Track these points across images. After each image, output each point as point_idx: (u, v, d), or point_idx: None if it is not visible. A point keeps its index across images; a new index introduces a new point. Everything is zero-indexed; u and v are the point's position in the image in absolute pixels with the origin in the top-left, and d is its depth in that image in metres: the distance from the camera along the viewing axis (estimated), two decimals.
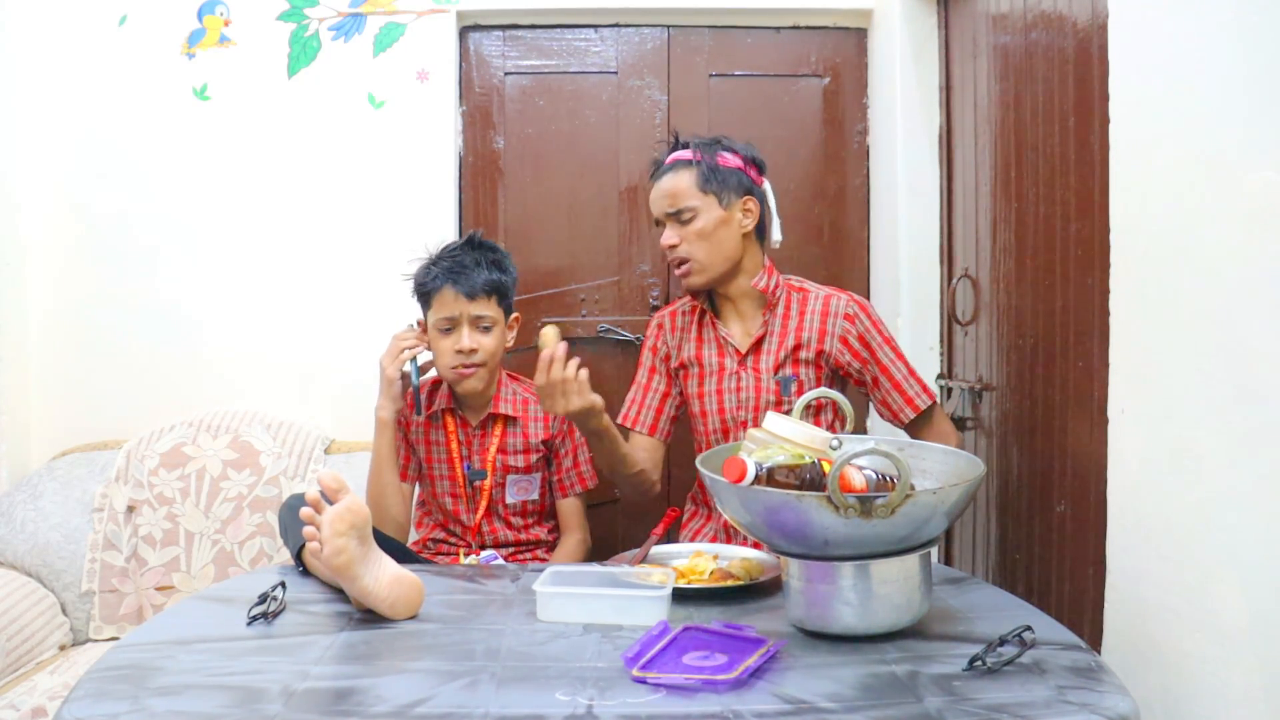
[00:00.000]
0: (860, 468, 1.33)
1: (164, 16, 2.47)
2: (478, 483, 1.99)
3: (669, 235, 1.87)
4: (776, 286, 1.89)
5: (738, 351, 1.89)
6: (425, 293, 1.96)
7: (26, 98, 2.46)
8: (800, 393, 1.84)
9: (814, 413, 1.82)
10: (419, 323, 2.01)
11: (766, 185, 1.92)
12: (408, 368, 1.95)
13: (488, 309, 1.93)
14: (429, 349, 1.96)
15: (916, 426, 1.88)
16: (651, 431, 1.96)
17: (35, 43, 2.46)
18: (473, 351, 1.91)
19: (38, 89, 2.47)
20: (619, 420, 1.93)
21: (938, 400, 1.91)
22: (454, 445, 2.00)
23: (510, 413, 2.00)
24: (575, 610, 1.37)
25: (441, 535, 2.03)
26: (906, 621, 1.27)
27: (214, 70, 2.48)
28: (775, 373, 1.87)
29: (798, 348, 1.86)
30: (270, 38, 2.48)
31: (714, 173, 1.85)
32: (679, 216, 1.85)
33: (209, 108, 2.49)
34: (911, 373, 1.88)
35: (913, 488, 1.19)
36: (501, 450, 2.00)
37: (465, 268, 1.92)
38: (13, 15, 2.43)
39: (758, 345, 1.88)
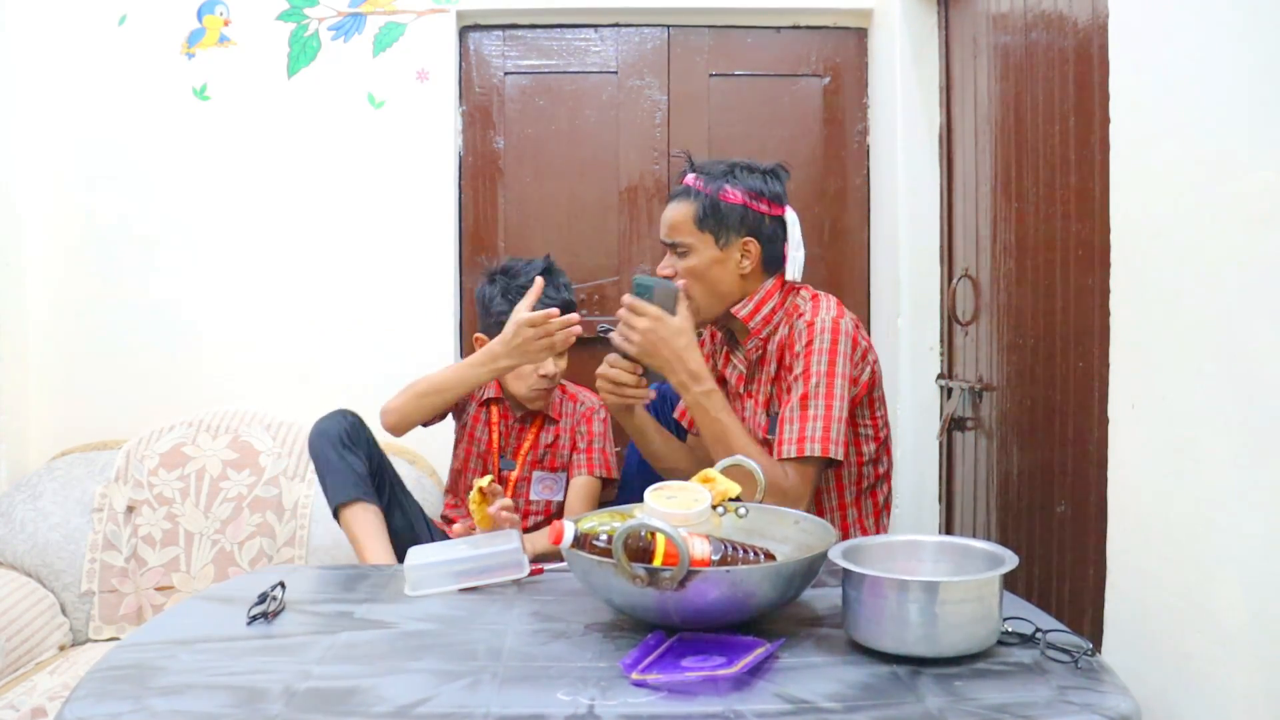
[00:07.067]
0: (708, 537, 1.29)
1: (164, 16, 2.47)
2: (505, 473, 2.05)
3: (666, 264, 1.79)
4: (768, 315, 1.76)
5: (740, 378, 1.82)
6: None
7: (26, 98, 2.46)
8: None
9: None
10: (476, 339, 2.02)
11: (790, 216, 1.81)
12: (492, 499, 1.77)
13: None
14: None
15: None
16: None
17: (35, 43, 2.46)
18: (556, 375, 2.01)
19: (38, 89, 2.47)
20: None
21: (809, 456, 1.62)
22: (495, 436, 2.07)
23: (551, 413, 2.08)
24: (442, 579, 1.46)
25: (462, 511, 2.07)
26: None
27: (214, 70, 2.48)
28: (766, 407, 1.76)
29: (780, 379, 1.73)
30: (270, 37, 2.48)
31: (714, 209, 1.74)
32: (675, 248, 1.78)
33: (209, 108, 2.49)
34: (801, 416, 1.63)
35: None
36: (534, 446, 2.06)
37: (556, 291, 1.97)
38: (13, 15, 2.43)
39: (753, 375, 1.79)
